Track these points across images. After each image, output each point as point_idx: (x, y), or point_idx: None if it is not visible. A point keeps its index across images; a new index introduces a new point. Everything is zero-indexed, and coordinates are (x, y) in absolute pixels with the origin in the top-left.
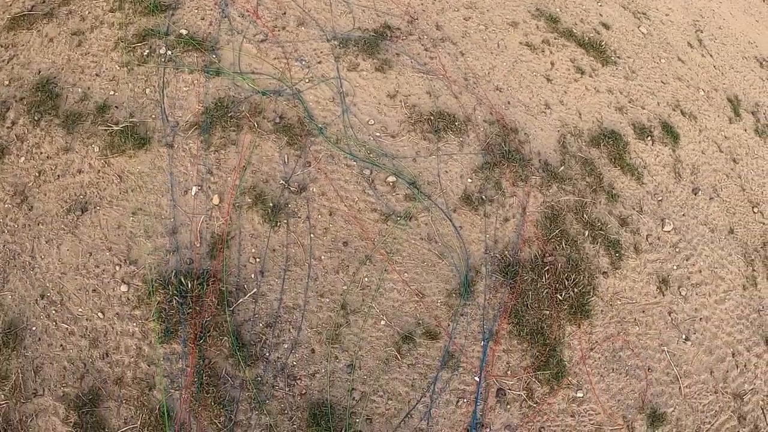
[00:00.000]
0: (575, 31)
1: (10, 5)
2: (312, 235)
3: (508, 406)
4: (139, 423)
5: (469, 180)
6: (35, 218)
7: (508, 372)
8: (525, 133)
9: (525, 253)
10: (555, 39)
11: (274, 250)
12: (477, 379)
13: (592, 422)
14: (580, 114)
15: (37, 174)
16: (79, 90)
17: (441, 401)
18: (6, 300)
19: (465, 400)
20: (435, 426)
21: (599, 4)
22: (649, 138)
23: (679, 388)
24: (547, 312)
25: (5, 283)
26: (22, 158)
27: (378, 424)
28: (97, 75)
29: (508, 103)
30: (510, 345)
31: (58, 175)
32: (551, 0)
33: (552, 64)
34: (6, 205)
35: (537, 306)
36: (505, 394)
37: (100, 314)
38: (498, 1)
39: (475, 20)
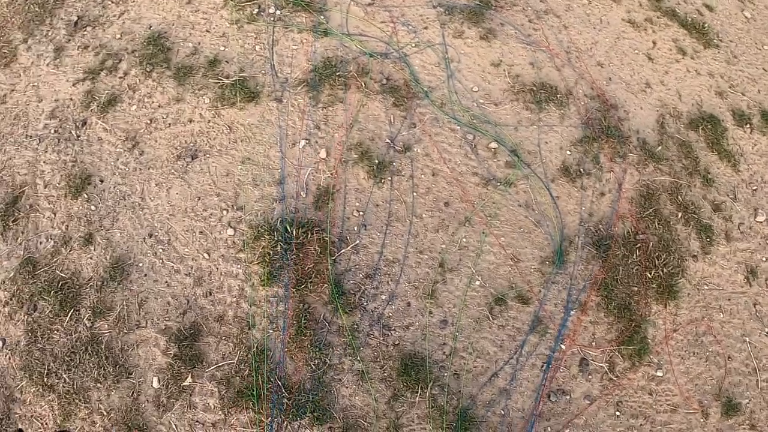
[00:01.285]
0: (678, 11)
1: None
2: (414, 194)
3: (590, 377)
4: (236, 359)
5: (568, 152)
6: (146, 162)
7: (593, 343)
8: (625, 111)
9: (618, 228)
10: (658, 18)
11: (377, 205)
12: (562, 346)
13: (668, 403)
14: (679, 95)
15: (148, 121)
16: (190, 45)
17: (527, 364)
18: (115, 237)
19: (549, 366)
20: (519, 388)
21: None
22: (748, 126)
23: (757, 381)
24: (636, 288)
25: (115, 222)
26: (134, 106)
27: (465, 380)
28: (207, 31)
29: (609, 79)
30: (597, 317)
31: (169, 124)
32: None
33: (654, 43)
34: (118, 149)
35: (626, 281)
36: (588, 365)
37: (205, 255)
38: None
39: None
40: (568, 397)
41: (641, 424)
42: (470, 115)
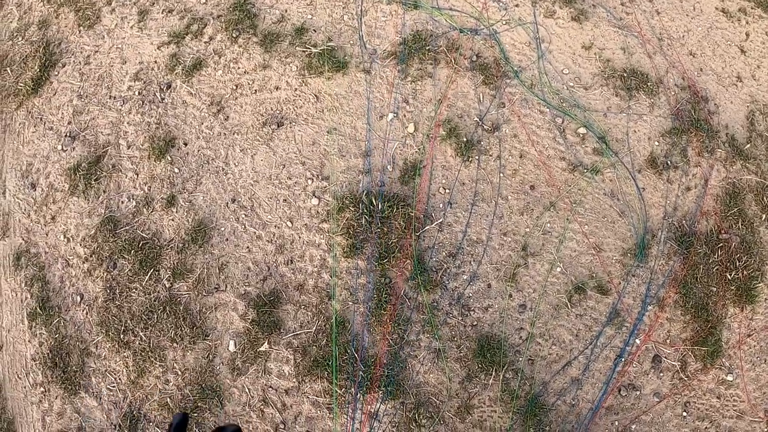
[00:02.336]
0: None
1: None
2: (501, 175)
3: (661, 374)
4: (314, 329)
5: (656, 143)
6: (231, 128)
7: (668, 341)
8: (715, 104)
9: (701, 225)
10: (751, 9)
11: (463, 183)
12: (637, 341)
13: (735, 408)
14: None
15: (234, 87)
16: (277, 12)
17: (601, 356)
18: (198, 200)
19: (623, 360)
20: (590, 379)
21: None
22: None
23: None
24: (714, 289)
25: (198, 185)
26: (220, 71)
27: (539, 366)
28: None
29: (701, 70)
30: (673, 314)
31: (255, 90)
32: None
33: (747, 35)
34: (202, 114)
35: (706, 281)
36: (660, 362)
37: (288, 223)
38: None
39: None
40: (638, 392)
41: (706, 428)
42: (560, 98)
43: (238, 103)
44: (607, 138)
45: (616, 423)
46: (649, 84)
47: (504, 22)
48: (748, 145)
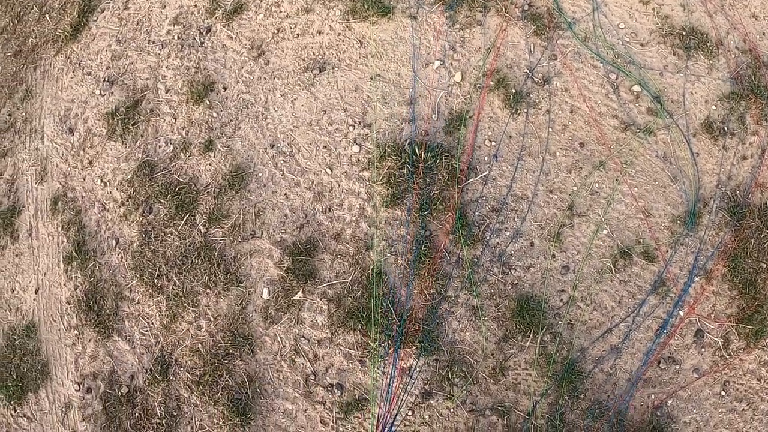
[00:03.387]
0: None
1: None
2: (550, 130)
3: (702, 350)
4: (349, 279)
5: (713, 107)
6: (271, 72)
7: (712, 315)
8: None
9: (756, 197)
10: None
11: (510, 137)
12: (681, 313)
13: None
14: None
15: (275, 31)
16: None
17: (642, 326)
18: (236, 145)
19: (665, 332)
20: (630, 348)
21: None
22: None
23: None
24: (765, 265)
25: (236, 130)
26: (261, 15)
27: (578, 331)
28: None
29: (763, 34)
30: (720, 288)
31: (297, 34)
32: None
33: None
34: (242, 58)
35: (756, 256)
36: (703, 337)
37: (328, 170)
38: None
39: None
40: (677, 366)
41: (743, 409)
42: (614, 54)
43: (279, 48)
44: (662, 98)
45: (653, 396)
46: (708, 45)
47: None
48: None
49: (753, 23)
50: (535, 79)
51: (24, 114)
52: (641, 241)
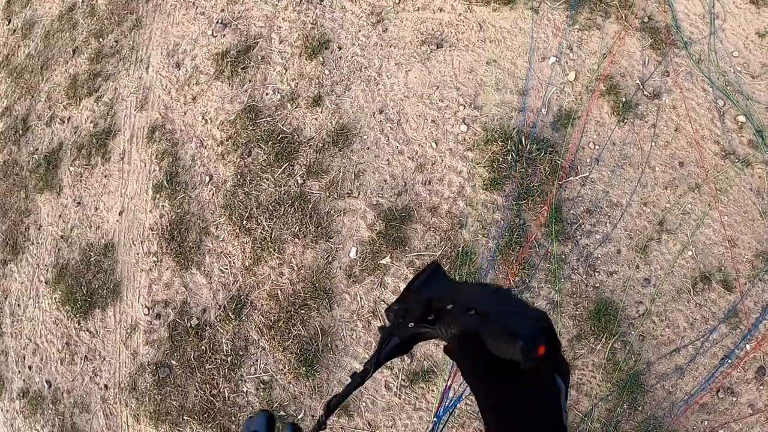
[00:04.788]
0: None
1: None
2: (653, 144)
3: (761, 387)
4: (439, 253)
5: None
6: (388, 40)
7: None
8: None
9: None
10: None
11: (614, 143)
12: (748, 346)
13: None
14: None
15: (397, 1)
16: None
17: (709, 352)
18: (344, 105)
19: (729, 362)
20: (693, 372)
21: None
22: None
23: None
24: None
25: (347, 90)
26: None
27: (648, 344)
28: None
29: None
30: None
31: (418, 8)
32: None
33: None
34: (361, 21)
35: None
36: (764, 374)
37: (433, 144)
38: None
39: None
40: (734, 398)
41: None
42: (725, 80)
43: (399, 18)
44: (765, 133)
45: (705, 423)
46: None
47: None
48: None
49: None
50: (645, 91)
51: (131, 43)
52: (722, 268)
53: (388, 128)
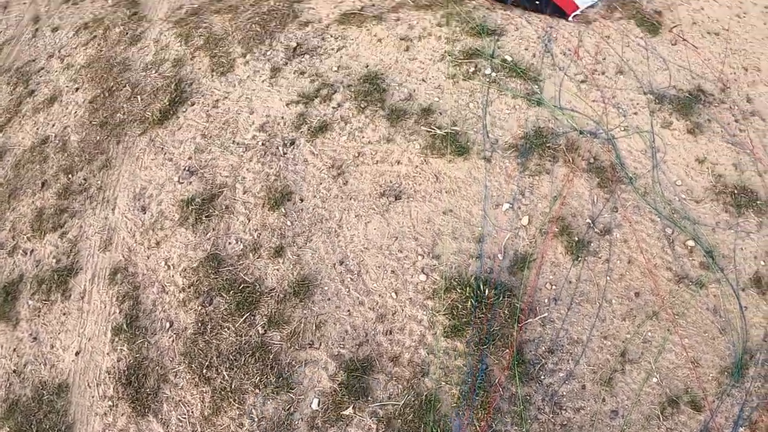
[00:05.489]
0: None
1: (341, 2)
2: (608, 278)
3: None
4: (402, 402)
5: (762, 263)
6: (349, 193)
7: None
8: None
9: None
10: None
11: (570, 282)
12: None
13: None
14: None
15: (356, 154)
16: (405, 90)
17: None
18: (306, 256)
19: None
20: None
21: None
22: None
23: None
24: None
25: (308, 242)
26: (344, 137)
27: None
28: (423, 80)
29: None
30: None
31: (377, 161)
32: None
33: None
34: (322, 174)
35: None
36: None
37: (393, 294)
38: None
39: None
40: None
41: None
42: (671, 209)
43: (359, 171)
44: (714, 253)
45: None
46: (758, 203)
47: (622, 129)
48: None
49: None
50: (596, 229)
51: (100, 182)
52: (689, 390)
53: (349, 279)
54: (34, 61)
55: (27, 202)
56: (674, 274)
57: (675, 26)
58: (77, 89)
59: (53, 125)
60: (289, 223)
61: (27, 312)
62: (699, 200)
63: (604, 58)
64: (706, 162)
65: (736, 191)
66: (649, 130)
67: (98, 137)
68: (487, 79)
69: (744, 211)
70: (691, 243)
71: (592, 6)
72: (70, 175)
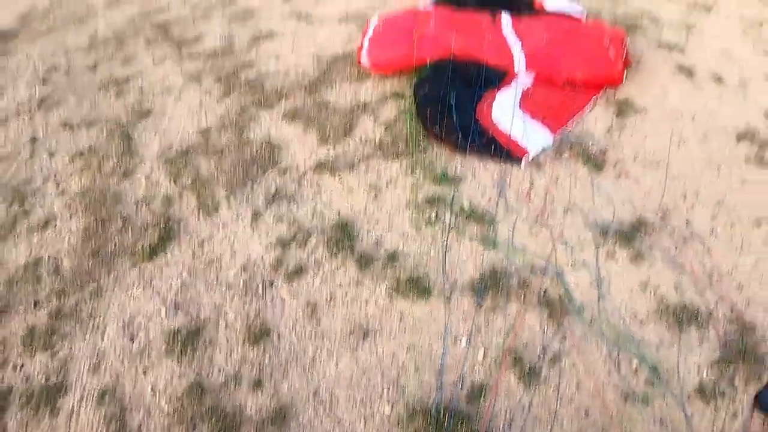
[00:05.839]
0: None
1: (317, 151)
2: (559, 402)
3: None
4: None
5: (705, 374)
6: (321, 331)
7: None
8: (762, 334)
9: None
10: None
11: (523, 408)
12: None
13: None
14: None
15: (329, 296)
16: (373, 236)
17: None
18: (282, 388)
19: None
20: None
21: None
22: None
23: None
24: None
25: (285, 375)
26: (318, 280)
27: None
28: (389, 227)
29: (748, 301)
30: None
31: (348, 302)
32: None
33: None
34: (298, 314)
35: None
36: None
37: (362, 424)
38: (744, 198)
39: (722, 218)
40: None
41: None
42: (617, 333)
43: (331, 311)
44: (659, 369)
45: None
46: (699, 318)
47: (570, 264)
48: None
49: (738, 294)
50: (547, 357)
51: (90, 308)
52: None
53: (322, 410)
54: (30, 181)
55: (19, 320)
56: (621, 393)
57: (618, 162)
58: (71, 216)
59: (47, 248)
60: (267, 359)
61: (15, 424)
62: (643, 322)
63: (553, 200)
64: (648, 287)
65: (677, 310)
66: (594, 263)
67: (90, 265)
68: (447, 225)
69: (686, 327)
70: (636, 362)
71: (543, 150)
72: (62, 299)
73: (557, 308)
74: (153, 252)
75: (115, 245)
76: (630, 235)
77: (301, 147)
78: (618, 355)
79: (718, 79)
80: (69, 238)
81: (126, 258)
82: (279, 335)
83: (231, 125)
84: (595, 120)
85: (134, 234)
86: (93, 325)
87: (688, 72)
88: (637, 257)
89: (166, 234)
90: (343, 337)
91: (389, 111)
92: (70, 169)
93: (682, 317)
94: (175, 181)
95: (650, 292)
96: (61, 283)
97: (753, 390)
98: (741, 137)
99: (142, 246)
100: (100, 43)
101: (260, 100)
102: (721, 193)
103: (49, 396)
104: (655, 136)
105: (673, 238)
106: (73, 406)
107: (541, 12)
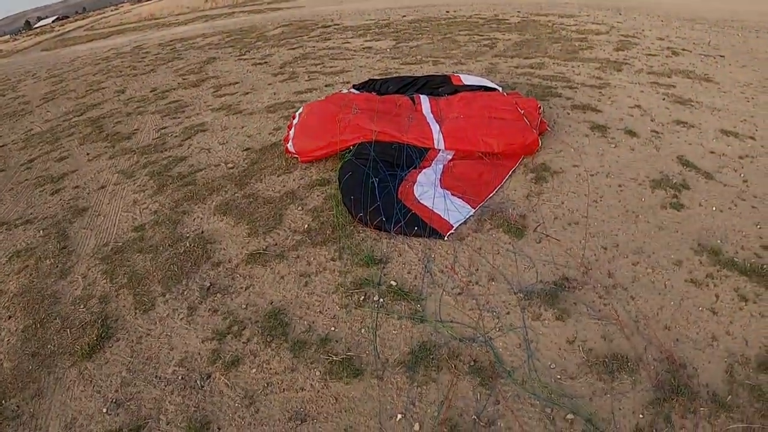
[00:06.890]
0: (737, 259)
1: (248, 243)
2: None
3: None
4: None
5: (641, 415)
6: (260, 419)
7: None
8: (693, 368)
9: None
10: (718, 272)
11: None
12: None
13: None
14: (746, 342)
15: (265, 385)
16: (305, 322)
17: None
18: None
19: None
20: None
21: (759, 227)
22: None
23: None
24: None
25: None
26: (254, 370)
27: None
28: (320, 312)
29: (677, 340)
30: None
31: (284, 389)
32: (712, 232)
33: (716, 296)
34: (236, 404)
35: None
36: None
37: None
38: (663, 243)
39: (643, 264)
40: None
41: None
42: (548, 391)
43: (268, 399)
44: (593, 419)
45: None
46: (629, 364)
47: (497, 329)
48: (730, 397)
49: (666, 334)
50: (482, 422)
51: (31, 410)
52: None
53: None
54: None
55: None
56: None
57: (538, 225)
58: (9, 317)
59: None
60: None
61: None
62: (573, 376)
63: (477, 269)
64: (576, 341)
65: (607, 359)
66: (521, 326)
67: (30, 366)
68: (376, 305)
69: (617, 374)
70: (570, 416)
71: (464, 222)
72: (3, 401)
73: (488, 373)
74: (92, 350)
75: (54, 346)
76: (553, 294)
77: (232, 240)
78: (552, 411)
79: (631, 133)
80: (8, 339)
81: (65, 358)
82: (219, 427)
83: (165, 221)
84: (514, 188)
85: (73, 333)
86: (35, 426)
87: (602, 129)
88: (563, 315)
89: (105, 332)
90: (281, 423)
91: (316, 198)
92: (8, 269)
93: (612, 366)
94: (111, 280)
95: (578, 346)
96: (1, 385)
97: (690, 424)
98: (656, 185)
99: (81, 345)
100: (36, 140)
101: (192, 194)
102: (639, 241)
103: None
104: (572, 195)
105: (596, 291)
106: None
107: (460, 88)
